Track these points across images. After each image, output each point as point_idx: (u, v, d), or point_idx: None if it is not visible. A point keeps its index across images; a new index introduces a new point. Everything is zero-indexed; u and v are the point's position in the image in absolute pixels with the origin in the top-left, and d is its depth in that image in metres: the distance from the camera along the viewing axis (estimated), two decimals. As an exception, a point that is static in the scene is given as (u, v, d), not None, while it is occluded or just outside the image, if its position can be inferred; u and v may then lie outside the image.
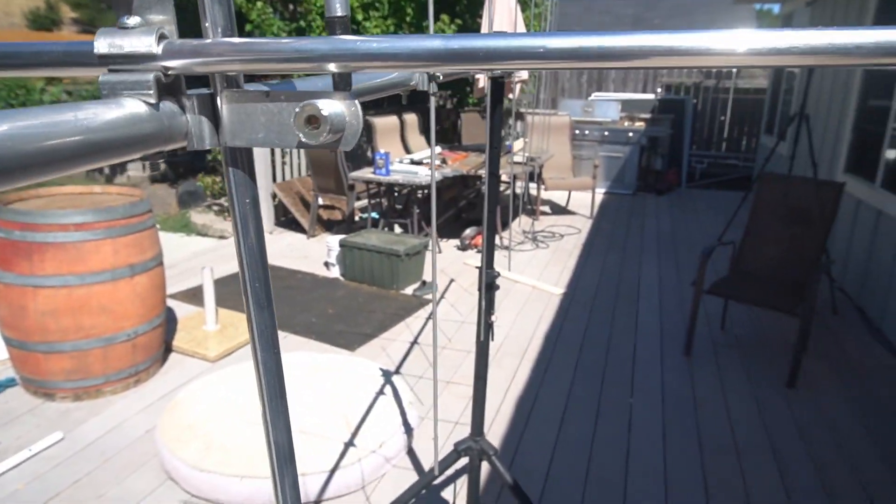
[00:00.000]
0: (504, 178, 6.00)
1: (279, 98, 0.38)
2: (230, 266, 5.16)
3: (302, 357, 3.43)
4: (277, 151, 6.62)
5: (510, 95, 5.94)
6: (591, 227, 6.87)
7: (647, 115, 8.96)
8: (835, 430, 2.96)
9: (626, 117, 8.93)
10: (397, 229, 5.99)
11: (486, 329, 1.79)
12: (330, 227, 6.43)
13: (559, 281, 5.05)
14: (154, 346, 3.24)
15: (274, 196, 6.50)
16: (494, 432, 2.90)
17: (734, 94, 10.13)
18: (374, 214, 6.05)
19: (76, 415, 2.91)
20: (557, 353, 3.74)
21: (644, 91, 10.72)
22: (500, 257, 5.55)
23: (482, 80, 5.78)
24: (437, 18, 7.70)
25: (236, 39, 0.37)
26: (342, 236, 5.03)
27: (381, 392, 3.07)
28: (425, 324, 4.12)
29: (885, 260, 4.15)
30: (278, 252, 5.67)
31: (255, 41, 0.36)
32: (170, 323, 3.82)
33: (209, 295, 3.73)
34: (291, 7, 8.21)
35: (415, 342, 3.83)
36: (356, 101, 0.37)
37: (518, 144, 6.64)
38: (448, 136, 9.28)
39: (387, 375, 3.27)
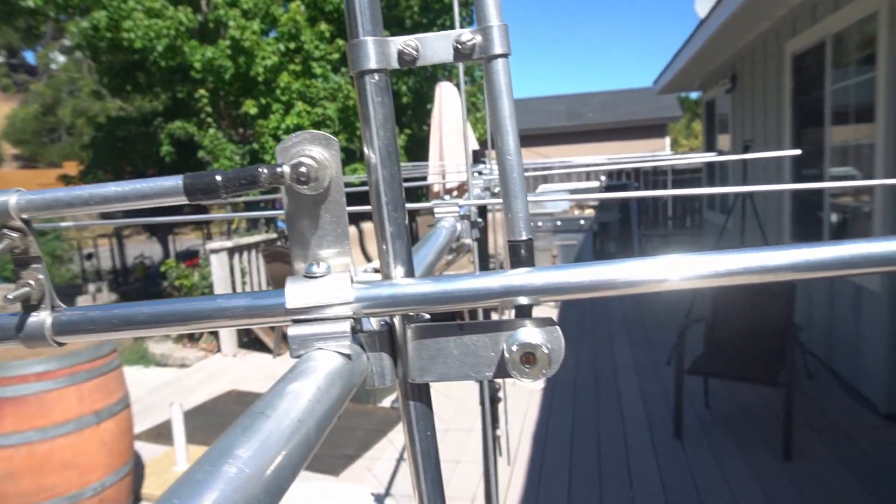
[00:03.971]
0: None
1: (474, 330, 0.37)
2: (196, 397, 4.92)
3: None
4: (236, 267, 6.54)
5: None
6: (558, 317, 6.91)
7: (596, 203, 9.33)
8: (841, 500, 2.92)
9: (575, 206, 9.27)
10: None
11: (492, 443, 1.72)
12: (296, 343, 6.26)
13: (537, 375, 4.99)
14: (123, 498, 2.99)
15: (236, 317, 6.34)
16: (500, 549, 2.73)
17: (673, 174, 10.71)
18: (342, 326, 5.94)
19: (37, 589, 2.61)
20: (549, 451, 3.63)
21: (588, 180, 11.23)
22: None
23: (437, 186, 5.94)
24: (385, 130, 7.98)
25: (431, 280, 0.36)
26: (312, 353, 4.90)
27: (374, 519, 2.89)
28: (409, 436, 3.96)
29: (847, 320, 4.29)
30: (244, 376, 5.46)
31: (452, 281, 0.35)
32: (137, 468, 3.55)
33: (179, 433, 3.52)
34: (242, 130, 8.40)
35: (401, 458, 3.66)
36: (557, 327, 0.36)
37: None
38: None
39: (379, 500, 3.09)
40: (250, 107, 7.49)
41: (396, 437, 3.95)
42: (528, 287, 0.35)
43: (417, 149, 8.61)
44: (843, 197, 4.72)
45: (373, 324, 0.38)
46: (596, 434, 3.82)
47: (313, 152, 0.33)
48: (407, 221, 0.38)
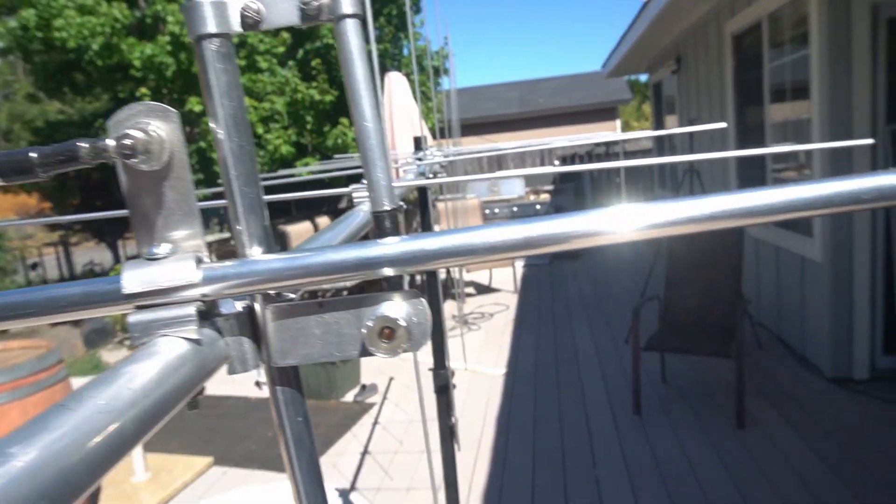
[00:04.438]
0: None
1: (335, 307, 0.35)
2: (152, 404, 4.79)
3: (248, 494, 3.16)
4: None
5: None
6: (517, 302, 6.96)
7: (550, 187, 9.43)
8: (792, 462, 3.02)
9: (531, 191, 9.34)
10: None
11: (448, 433, 1.72)
12: (256, 343, 6.17)
13: (498, 361, 5.03)
14: (77, 513, 2.89)
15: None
16: (466, 535, 2.75)
17: (624, 156, 10.89)
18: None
19: None
20: (512, 436, 3.66)
21: (542, 164, 11.32)
22: (436, 346, 5.49)
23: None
24: (336, 123, 7.89)
25: (284, 256, 0.34)
26: (271, 352, 4.82)
27: (339, 515, 2.86)
28: (373, 430, 3.94)
29: (793, 291, 4.43)
30: (204, 379, 5.34)
31: (306, 255, 0.33)
32: (91, 481, 3.45)
33: (134, 442, 3.42)
34: (188, 129, 8.18)
35: (366, 452, 3.65)
36: (422, 299, 0.34)
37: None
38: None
39: (344, 496, 3.06)
40: (195, 104, 7.29)
41: (361, 432, 3.93)
42: (387, 257, 0.33)
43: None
44: (785, 171, 4.87)
45: (237, 307, 0.36)
46: (558, 416, 3.87)
47: (149, 126, 0.31)
48: (263, 196, 0.36)
